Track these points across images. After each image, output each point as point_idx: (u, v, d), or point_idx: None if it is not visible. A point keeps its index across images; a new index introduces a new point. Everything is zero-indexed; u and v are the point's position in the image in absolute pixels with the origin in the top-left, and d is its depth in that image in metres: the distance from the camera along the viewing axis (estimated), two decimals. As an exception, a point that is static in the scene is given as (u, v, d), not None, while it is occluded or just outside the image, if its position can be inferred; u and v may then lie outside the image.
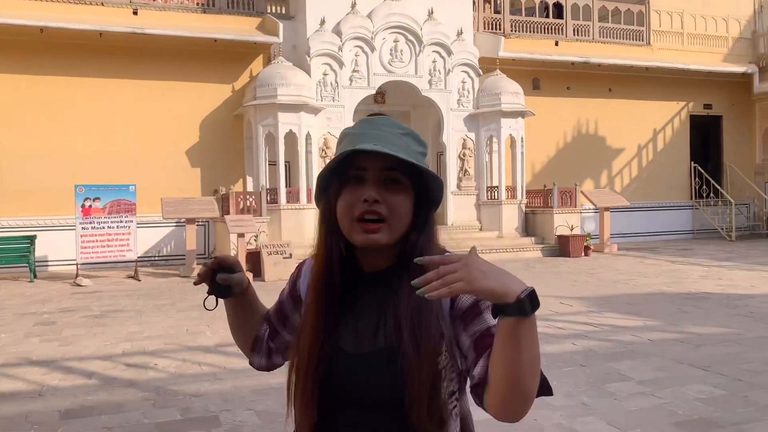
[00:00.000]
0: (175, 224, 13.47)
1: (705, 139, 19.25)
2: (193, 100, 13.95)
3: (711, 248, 15.27)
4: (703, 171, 18.31)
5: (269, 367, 1.50)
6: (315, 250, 1.28)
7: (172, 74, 13.82)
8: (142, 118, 13.64)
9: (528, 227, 14.95)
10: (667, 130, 18.43)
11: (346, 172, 1.22)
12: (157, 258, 13.56)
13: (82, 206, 11.23)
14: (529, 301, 0.97)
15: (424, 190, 1.25)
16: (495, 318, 1.01)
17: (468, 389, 1.18)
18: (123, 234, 11.45)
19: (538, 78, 16.80)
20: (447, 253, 1.19)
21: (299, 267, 1.43)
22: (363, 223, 1.19)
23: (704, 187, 18.27)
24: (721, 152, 19.22)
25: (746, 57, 18.87)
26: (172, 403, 4.54)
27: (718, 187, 18.31)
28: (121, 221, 11.43)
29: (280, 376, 1.41)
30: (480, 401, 1.10)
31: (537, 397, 1.04)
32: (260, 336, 1.48)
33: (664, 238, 17.92)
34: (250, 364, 1.51)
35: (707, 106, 18.87)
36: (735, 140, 19.20)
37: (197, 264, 12.01)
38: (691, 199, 18.40)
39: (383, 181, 1.20)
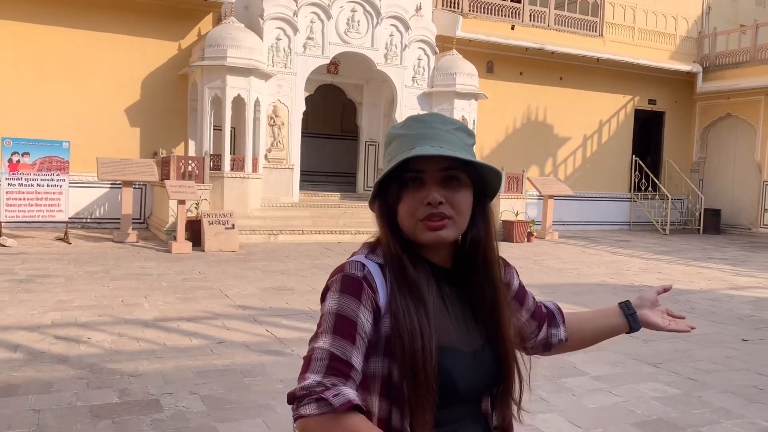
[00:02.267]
0: (110, 186, 12.78)
1: (647, 134, 19.70)
2: (136, 55, 13.17)
3: (647, 241, 15.68)
4: (643, 164, 18.76)
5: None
6: (384, 249, 1.25)
7: (113, 26, 12.99)
8: (79, 71, 12.79)
9: (474, 210, 14.91)
10: (612, 123, 18.75)
11: (403, 175, 1.21)
12: (89, 220, 12.86)
13: (9, 161, 10.45)
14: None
15: (480, 182, 1.27)
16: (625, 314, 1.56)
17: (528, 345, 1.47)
18: (53, 193, 10.74)
19: (492, 61, 16.73)
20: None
21: (362, 284, 1.18)
22: (428, 221, 1.20)
23: (643, 180, 18.74)
24: (661, 147, 19.73)
25: (691, 56, 19.35)
26: (108, 383, 4.20)
27: (656, 182, 18.81)
28: (52, 179, 10.71)
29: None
30: (544, 350, 1.52)
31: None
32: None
33: (602, 227, 18.32)
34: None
35: (652, 102, 19.29)
36: (675, 136, 19.73)
37: (132, 229, 11.44)
38: (630, 191, 18.85)
39: (443, 180, 1.21)
